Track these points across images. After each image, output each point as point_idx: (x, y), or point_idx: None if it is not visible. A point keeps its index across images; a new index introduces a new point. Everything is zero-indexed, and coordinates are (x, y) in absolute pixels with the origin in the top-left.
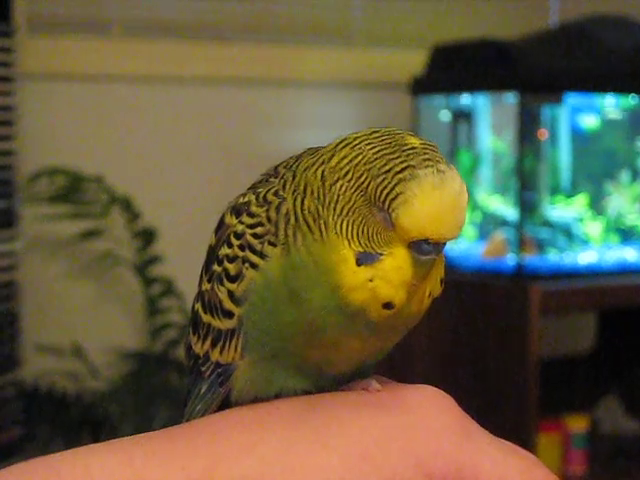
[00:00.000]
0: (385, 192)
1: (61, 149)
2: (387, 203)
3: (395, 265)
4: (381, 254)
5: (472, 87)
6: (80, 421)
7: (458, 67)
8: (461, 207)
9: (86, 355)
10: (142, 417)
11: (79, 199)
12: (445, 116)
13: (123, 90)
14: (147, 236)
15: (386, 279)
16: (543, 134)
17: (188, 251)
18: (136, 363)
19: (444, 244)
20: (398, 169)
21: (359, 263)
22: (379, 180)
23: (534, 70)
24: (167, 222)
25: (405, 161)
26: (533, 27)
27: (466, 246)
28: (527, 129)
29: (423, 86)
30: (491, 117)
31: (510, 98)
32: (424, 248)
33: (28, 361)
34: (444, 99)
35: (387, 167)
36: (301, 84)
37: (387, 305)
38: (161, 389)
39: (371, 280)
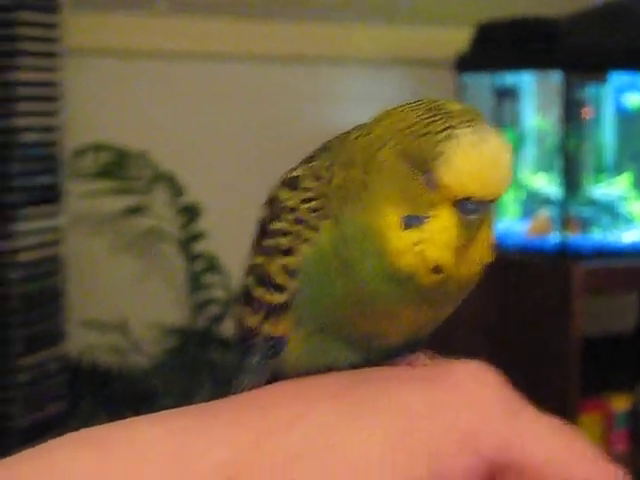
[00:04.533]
0: (426, 153)
1: (106, 125)
2: (429, 164)
3: (441, 226)
4: (426, 216)
5: (516, 65)
6: (123, 396)
7: (503, 45)
8: (503, 165)
9: (130, 330)
10: (184, 392)
11: (124, 175)
12: (489, 94)
13: (168, 66)
14: (191, 212)
15: (432, 241)
16: (587, 112)
17: (232, 227)
18: (179, 339)
19: (489, 204)
20: (438, 129)
21: (405, 227)
22: (420, 142)
23: (579, 48)
24: (211, 198)
25: (445, 122)
26: (578, 5)
27: (510, 224)
28: (571, 107)
29: (467, 64)
30: (535, 95)
31: (555, 76)
32: (468, 207)
33: (72, 336)
34: (488, 77)
35: (427, 129)
36: (346, 61)
37: (436, 269)
38: (204, 365)
39: (418, 243)
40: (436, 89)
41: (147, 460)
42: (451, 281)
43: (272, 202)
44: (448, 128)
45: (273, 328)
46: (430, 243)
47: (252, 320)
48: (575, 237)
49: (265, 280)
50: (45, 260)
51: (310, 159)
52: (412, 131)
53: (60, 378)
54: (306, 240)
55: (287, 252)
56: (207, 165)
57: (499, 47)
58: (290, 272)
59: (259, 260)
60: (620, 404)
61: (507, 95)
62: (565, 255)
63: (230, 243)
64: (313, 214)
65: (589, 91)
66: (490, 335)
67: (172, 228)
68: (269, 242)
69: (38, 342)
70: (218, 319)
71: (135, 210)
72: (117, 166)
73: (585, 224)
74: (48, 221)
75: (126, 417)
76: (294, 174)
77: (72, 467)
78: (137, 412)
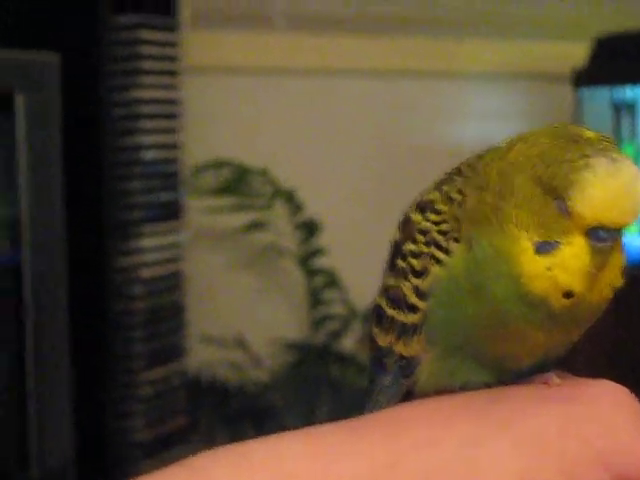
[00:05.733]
0: (560, 181)
1: (226, 142)
2: (562, 191)
3: (573, 253)
4: (559, 243)
5: (635, 79)
6: (242, 411)
7: (621, 59)
8: (636, 194)
9: (249, 346)
10: (304, 408)
11: (243, 191)
12: (607, 108)
13: (286, 83)
14: (310, 228)
15: (564, 267)
16: None
17: (351, 243)
18: (298, 354)
19: (620, 231)
20: (572, 158)
21: (538, 252)
22: (554, 169)
23: None
24: (330, 214)
25: (579, 150)
26: None
27: (630, 239)
28: None
29: (585, 78)
30: None
31: None
32: (601, 235)
33: (192, 351)
34: (607, 91)
35: (562, 157)
36: (463, 76)
37: (567, 294)
38: (323, 380)
39: (550, 269)
40: (554, 103)
41: (294, 477)
42: (582, 305)
43: (405, 224)
44: (583, 157)
45: (405, 348)
46: (562, 269)
47: (385, 340)
48: None
49: (398, 300)
50: (166, 276)
51: (443, 182)
52: (547, 158)
53: (181, 393)
54: (437, 262)
55: (419, 273)
56: (326, 181)
57: (617, 61)
58: (421, 293)
59: (392, 281)
60: None
61: (625, 109)
62: None
63: (349, 259)
64: (444, 236)
65: None
66: (609, 347)
67: (291, 244)
68: (401, 263)
69: (160, 357)
70: (337, 335)
71: (255, 226)
72: (237, 183)
73: None
74: (169, 237)
75: (246, 433)
76: (427, 197)
77: None
78: (257, 427)
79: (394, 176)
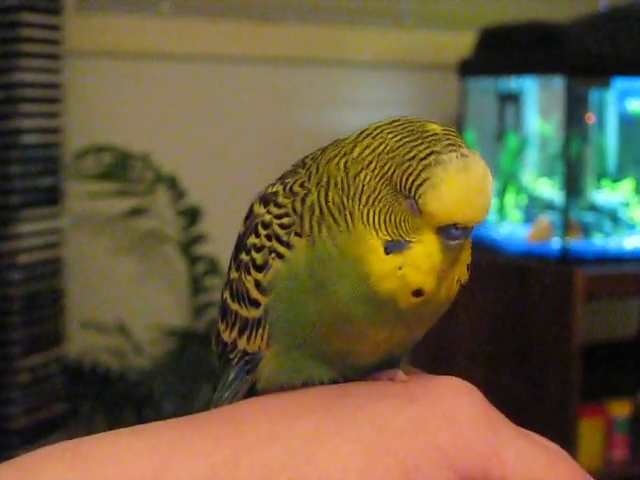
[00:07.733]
0: (411, 179)
1: (108, 127)
2: (413, 190)
3: (424, 252)
4: (409, 241)
5: (520, 70)
6: (123, 398)
7: (506, 49)
8: (487, 190)
9: (130, 332)
10: (184, 395)
11: (125, 177)
12: (492, 98)
13: (170, 68)
14: (192, 215)
15: (415, 266)
16: (590, 118)
17: (233, 230)
18: (179, 341)
19: (472, 228)
20: (422, 155)
21: (388, 252)
22: (404, 167)
23: (582, 53)
24: (212, 201)
25: (429, 147)
26: (583, 10)
27: (511, 229)
28: (574, 113)
29: (471, 68)
30: (538, 100)
31: (558, 81)
32: (452, 233)
33: (73, 337)
34: (492, 81)
35: (411, 154)
36: (349, 64)
37: (417, 292)
38: (204, 367)
39: (400, 268)
40: (439, 93)
41: (132, 475)
42: (429, 303)
43: (248, 217)
44: (432, 153)
45: (248, 343)
46: (413, 268)
47: (228, 335)
48: (577, 242)
49: (240, 295)
50: (46, 262)
51: (287, 175)
52: (394, 155)
53: (60, 379)
54: (279, 256)
55: (260, 267)
56: (208, 167)
57: (502, 52)
58: (263, 288)
59: (235, 275)
60: (620, 410)
61: (510, 100)
62: (566, 261)
63: (231, 246)
64: (285, 230)
65: (592, 96)
66: (490, 341)
67: (173, 230)
68: (244, 257)
69: (38, 343)
70: None
71: (136, 212)
72: (119, 168)
73: (587, 230)
74: (49, 223)
75: (126, 419)
76: (270, 190)
77: None
78: (137, 414)
79: (276, 163)
